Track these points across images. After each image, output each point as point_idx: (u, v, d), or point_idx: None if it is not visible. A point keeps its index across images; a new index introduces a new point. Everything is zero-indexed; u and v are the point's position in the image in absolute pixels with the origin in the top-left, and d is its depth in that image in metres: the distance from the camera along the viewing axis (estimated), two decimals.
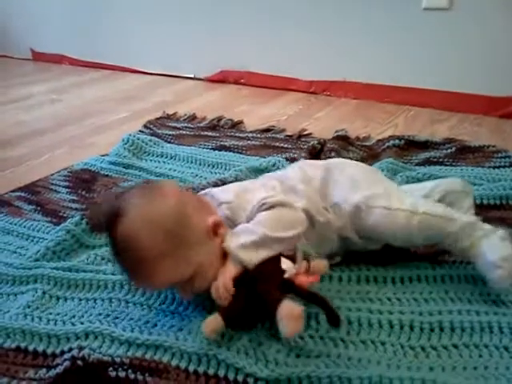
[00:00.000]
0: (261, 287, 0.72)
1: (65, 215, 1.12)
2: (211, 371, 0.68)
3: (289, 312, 0.67)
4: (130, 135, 1.47)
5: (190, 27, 2.29)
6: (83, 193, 1.23)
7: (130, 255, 0.70)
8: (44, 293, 0.85)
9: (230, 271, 0.72)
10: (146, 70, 2.50)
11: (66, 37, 2.74)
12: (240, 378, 0.67)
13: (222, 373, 0.68)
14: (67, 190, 1.25)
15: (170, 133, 1.61)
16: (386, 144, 1.42)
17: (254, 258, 0.73)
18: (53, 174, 1.33)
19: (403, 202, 0.82)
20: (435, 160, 1.34)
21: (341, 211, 0.84)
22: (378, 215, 0.82)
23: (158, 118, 1.75)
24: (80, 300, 0.84)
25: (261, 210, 0.77)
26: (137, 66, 2.53)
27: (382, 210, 0.82)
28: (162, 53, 2.44)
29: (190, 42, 2.32)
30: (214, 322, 0.70)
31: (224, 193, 0.84)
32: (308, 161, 1.06)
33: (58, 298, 0.85)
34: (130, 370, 0.69)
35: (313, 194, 0.86)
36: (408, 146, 1.42)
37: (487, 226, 0.81)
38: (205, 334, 0.70)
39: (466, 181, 0.99)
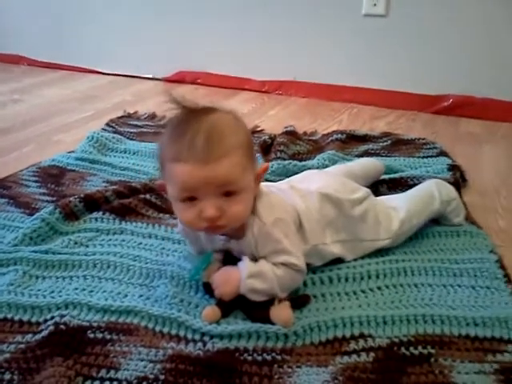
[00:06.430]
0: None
1: (37, 207, 1.20)
2: (173, 332, 0.81)
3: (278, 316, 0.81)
4: (95, 133, 1.56)
5: (148, 29, 2.37)
6: (52, 186, 1.31)
7: (216, 129, 0.79)
8: (24, 273, 0.94)
9: (235, 287, 0.82)
10: (104, 71, 2.56)
11: (24, 37, 2.76)
12: (197, 337, 0.80)
13: (182, 333, 0.81)
14: (37, 184, 1.32)
15: (132, 130, 1.70)
16: (330, 138, 1.57)
17: (257, 299, 0.83)
18: (22, 170, 1.41)
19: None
20: (373, 152, 1.50)
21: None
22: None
23: (119, 117, 1.84)
24: (57, 278, 0.95)
25: (285, 265, 0.83)
26: (95, 67, 2.58)
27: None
28: (121, 54, 2.50)
29: (149, 44, 2.40)
30: (212, 312, 0.82)
31: (263, 206, 0.84)
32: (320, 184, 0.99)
33: (37, 277, 0.95)
34: (106, 332, 0.81)
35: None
36: (349, 140, 1.58)
37: None
38: (204, 320, 0.82)
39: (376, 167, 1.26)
